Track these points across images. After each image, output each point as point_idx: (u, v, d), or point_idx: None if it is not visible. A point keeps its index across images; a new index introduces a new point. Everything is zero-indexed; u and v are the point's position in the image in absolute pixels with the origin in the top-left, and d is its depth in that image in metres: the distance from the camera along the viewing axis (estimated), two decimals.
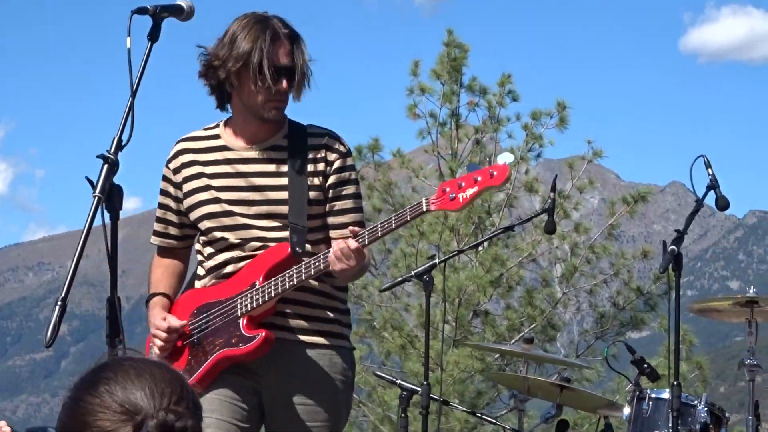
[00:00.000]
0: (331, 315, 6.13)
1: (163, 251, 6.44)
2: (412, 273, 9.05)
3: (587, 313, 23.32)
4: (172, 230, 6.36)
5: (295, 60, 5.93)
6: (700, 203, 7.44)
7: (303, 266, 5.83)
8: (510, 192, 22.16)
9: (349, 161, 6.21)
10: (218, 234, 6.14)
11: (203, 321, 6.12)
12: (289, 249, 5.91)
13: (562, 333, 23.02)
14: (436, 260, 9.11)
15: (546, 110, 22.48)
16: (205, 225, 6.17)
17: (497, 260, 21.11)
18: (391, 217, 5.85)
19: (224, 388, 6.04)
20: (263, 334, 5.89)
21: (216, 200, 6.14)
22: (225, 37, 5.93)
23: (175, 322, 6.15)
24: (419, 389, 8.82)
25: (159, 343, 6.15)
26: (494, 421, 10.47)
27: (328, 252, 5.81)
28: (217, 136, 6.26)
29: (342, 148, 6.17)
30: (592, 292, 22.60)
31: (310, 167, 6.01)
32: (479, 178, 5.58)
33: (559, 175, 9.20)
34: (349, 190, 6.15)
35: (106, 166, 4.88)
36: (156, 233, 6.42)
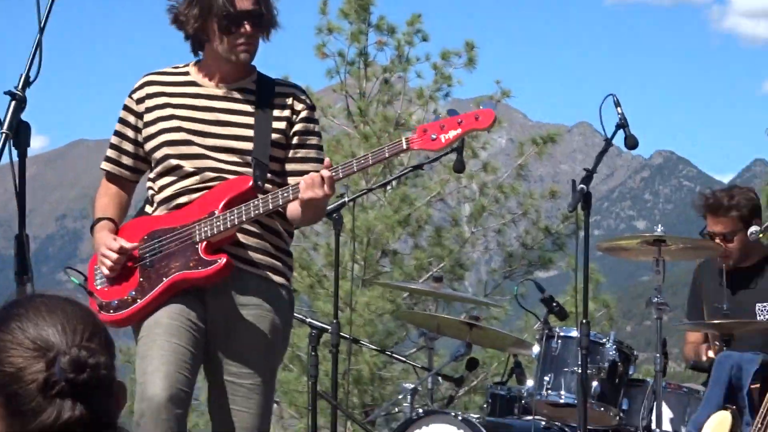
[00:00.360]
0: (280, 254, 6.24)
1: (112, 179, 6.47)
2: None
3: (495, 252, 23.40)
4: (126, 160, 6.41)
5: (260, 2, 6.04)
6: (609, 142, 7.46)
7: (270, 196, 5.93)
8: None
9: (315, 115, 6.35)
10: (174, 162, 6.20)
11: (156, 245, 6.18)
12: (251, 182, 5.99)
13: (470, 272, 23.08)
14: (345, 199, 9.13)
15: (455, 50, 22.53)
16: (163, 152, 6.23)
17: (405, 200, 21.13)
18: (368, 154, 5.98)
19: (177, 308, 6.08)
20: (224, 259, 5.97)
21: (178, 129, 6.21)
22: None
23: (126, 243, 6.19)
24: (329, 328, 8.84)
25: (108, 263, 6.19)
26: (404, 359, 10.50)
27: (299, 183, 5.88)
28: (186, 74, 6.36)
29: (309, 101, 6.32)
30: (500, 231, 22.67)
31: (276, 112, 6.13)
32: (462, 121, 5.68)
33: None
34: (313, 140, 6.29)
35: (13, 102, 4.87)
36: (108, 159, 6.45)
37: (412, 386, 8.86)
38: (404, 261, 21.52)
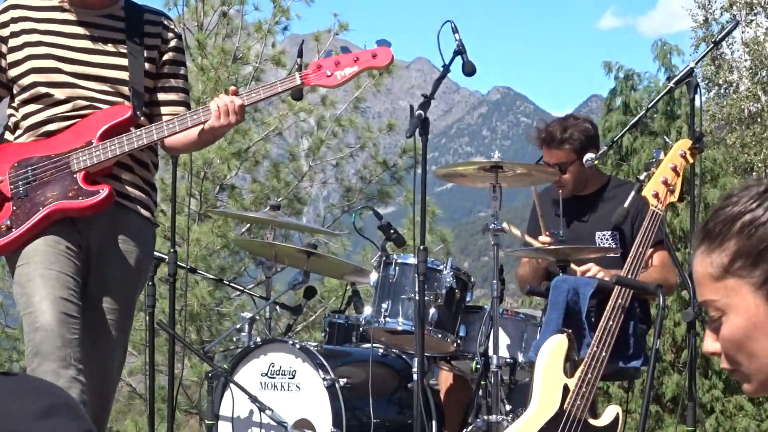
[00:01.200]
0: (148, 188, 6.20)
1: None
2: None
3: (333, 188, 23.41)
4: None
5: None
6: (447, 68, 7.44)
7: (165, 123, 5.89)
8: (257, 65, 22.13)
9: (181, 43, 6.24)
10: (43, 90, 6.04)
11: (29, 173, 6.02)
12: (131, 112, 5.91)
13: (308, 207, 23.08)
14: None
15: None
16: (30, 79, 6.06)
17: (241, 132, 21.04)
18: (259, 87, 5.95)
19: (54, 236, 5.98)
20: (107, 190, 5.90)
21: (47, 56, 6.05)
22: None
23: None
24: (166, 258, 8.82)
25: None
26: (242, 288, 10.51)
27: (203, 108, 5.87)
28: None
29: (176, 30, 6.24)
30: (338, 165, 22.66)
31: (147, 40, 6.01)
32: (358, 59, 5.70)
33: (304, 48, 9.23)
34: (181, 71, 6.23)
35: None
36: None
37: (250, 316, 8.86)
38: (242, 195, 21.44)
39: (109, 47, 6.05)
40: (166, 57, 6.15)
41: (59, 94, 6.04)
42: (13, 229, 6.03)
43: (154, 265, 8.95)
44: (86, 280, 6.06)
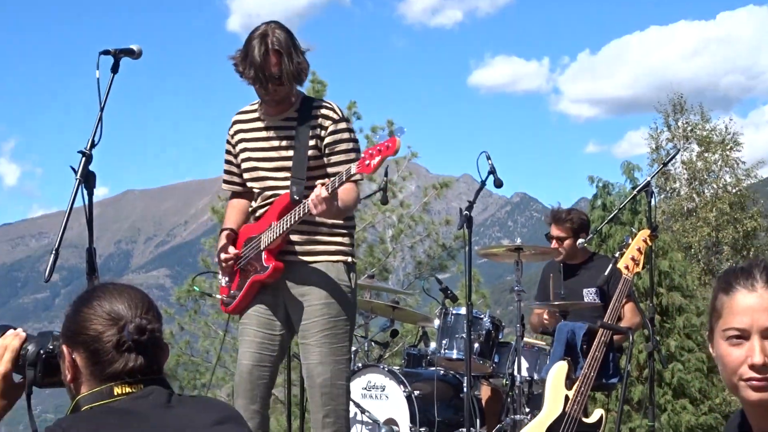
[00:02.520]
0: (326, 238, 5.76)
1: (233, 194, 6.10)
2: None
3: (409, 262, 23.42)
4: (236, 178, 6.03)
5: (283, 68, 5.57)
6: (483, 183, 7.46)
7: (294, 210, 5.53)
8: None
9: (341, 125, 5.75)
10: (250, 184, 5.91)
11: (247, 250, 5.83)
12: (289, 197, 5.61)
13: (392, 275, 23.08)
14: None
15: (380, 125, 22.54)
16: (247, 176, 5.93)
17: None
18: (335, 178, 5.35)
19: (260, 304, 5.82)
20: (272, 264, 5.64)
21: (248, 158, 5.89)
22: (240, 52, 5.69)
23: (232, 250, 5.91)
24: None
25: (222, 265, 5.94)
26: None
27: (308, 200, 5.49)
28: (255, 111, 5.97)
29: (335, 116, 5.74)
30: (412, 247, 22.75)
31: (311, 131, 5.66)
32: (382, 149, 5.19)
33: (388, 169, 9.23)
34: (341, 146, 5.71)
35: (84, 158, 4.82)
36: (225, 181, 6.10)
37: (354, 349, 8.84)
38: None
39: (284, 143, 5.75)
40: (326, 140, 5.70)
41: (257, 185, 5.85)
42: (236, 296, 5.88)
43: None
44: (294, 319, 5.77)
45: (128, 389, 2.85)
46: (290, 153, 5.72)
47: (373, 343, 9.19)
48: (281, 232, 5.63)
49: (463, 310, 7.95)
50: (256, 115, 5.97)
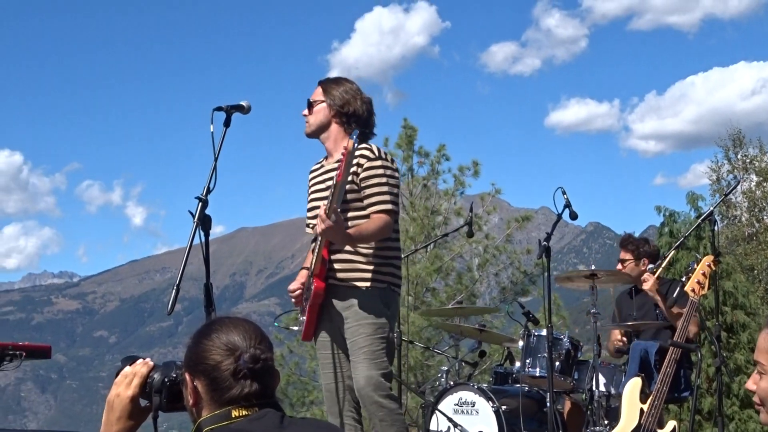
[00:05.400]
0: (362, 266, 5.71)
1: (314, 237, 6.01)
2: None
3: (494, 287, 23.31)
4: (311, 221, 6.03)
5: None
6: (560, 216, 7.41)
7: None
8: (445, 216, 22.31)
9: (375, 163, 5.70)
10: (312, 222, 5.92)
11: (308, 283, 5.85)
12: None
13: (479, 300, 22.99)
14: (403, 256, 9.12)
15: (467, 165, 22.58)
16: (308, 215, 5.98)
17: (438, 256, 21.23)
18: (331, 187, 5.38)
19: (323, 330, 5.85)
20: (314, 286, 5.65)
21: (311, 200, 5.96)
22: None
23: (293, 285, 5.95)
24: (395, 335, 8.80)
25: (292, 298, 5.98)
26: (440, 352, 10.46)
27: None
28: (323, 160, 6.08)
29: (371, 155, 5.71)
30: (497, 274, 22.65)
31: (352, 169, 5.59)
32: (342, 155, 5.20)
33: (474, 204, 9.13)
34: (373, 181, 5.68)
35: (200, 203, 4.87)
36: (307, 225, 6.06)
37: (446, 368, 8.82)
38: (439, 294, 21.51)
39: (329, 183, 5.63)
40: (362, 175, 5.66)
41: (314, 222, 5.76)
42: (304, 323, 5.88)
43: None
44: (343, 336, 5.75)
45: (245, 412, 2.87)
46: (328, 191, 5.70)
47: (463, 363, 9.12)
48: (316, 256, 5.67)
49: (544, 332, 7.90)
50: (322, 162, 6.06)
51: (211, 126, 5.09)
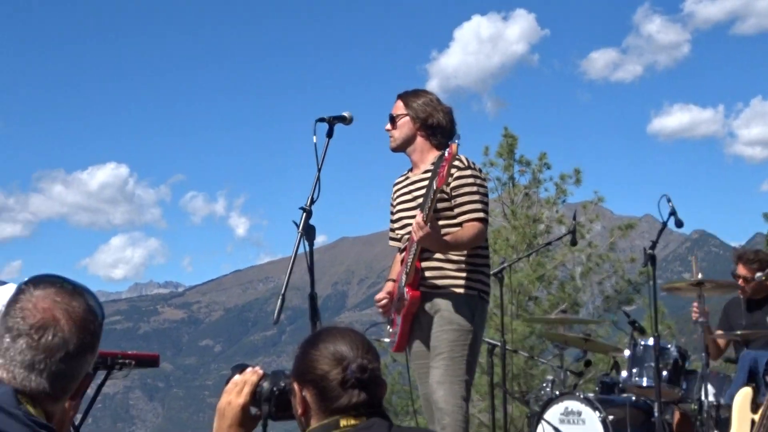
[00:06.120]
0: (452, 273, 5.70)
1: (399, 250, 6.07)
2: (491, 273, 9.04)
3: (597, 296, 23.12)
4: (394, 234, 6.10)
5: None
6: (665, 224, 7.34)
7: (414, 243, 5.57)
8: (547, 224, 22.22)
9: (466, 173, 5.71)
10: (398, 232, 5.99)
11: (397, 293, 5.85)
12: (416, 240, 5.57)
13: (582, 309, 22.80)
14: (505, 264, 9.09)
15: (568, 173, 22.49)
16: (394, 227, 6.06)
17: (540, 265, 21.16)
18: (425, 203, 5.47)
19: (416, 340, 5.84)
20: (410, 294, 5.65)
21: (398, 211, 6.01)
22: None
23: (379, 295, 5.98)
24: (499, 344, 8.78)
25: (379, 309, 6.00)
26: (545, 361, 10.38)
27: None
28: (408, 171, 6.09)
29: (461, 165, 5.70)
30: (600, 283, 22.49)
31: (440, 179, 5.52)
32: (445, 159, 5.17)
33: (577, 213, 9.06)
34: (464, 189, 5.68)
35: (304, 214, 4.91)
36: (390, 238, 6.15)
37: (551, 378, 8.76)
38: (541, 303, 21.42)
39: (421, 192, 5.73)
40: (453, 184, 5.65)
41: (403, 232, 5.89)
42: (396, 335, 5.89)
43: (491, 348, 8.92)
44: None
45: (353, 421, 2.88)
46: (420, 201, 5.71)
47: (568, 372, 9.05)
48: (409, 265, 5.66)
49: (651, 341, 7.80)
50: (407, 173, 6.06)
51: (314, 137, 5.14)
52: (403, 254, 5.85)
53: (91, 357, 2.47)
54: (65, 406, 2.53)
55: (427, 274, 5.72)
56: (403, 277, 5.72)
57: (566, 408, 7.90)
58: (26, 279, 2.51)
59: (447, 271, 5.72)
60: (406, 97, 5.97)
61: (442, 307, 5.69)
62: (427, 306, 5.74)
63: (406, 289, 5.69)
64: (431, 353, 5.69)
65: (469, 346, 5.67)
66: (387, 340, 6.14)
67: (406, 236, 5.79)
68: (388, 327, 6.02)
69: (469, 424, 5.72)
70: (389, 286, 5.99)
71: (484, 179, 5.90)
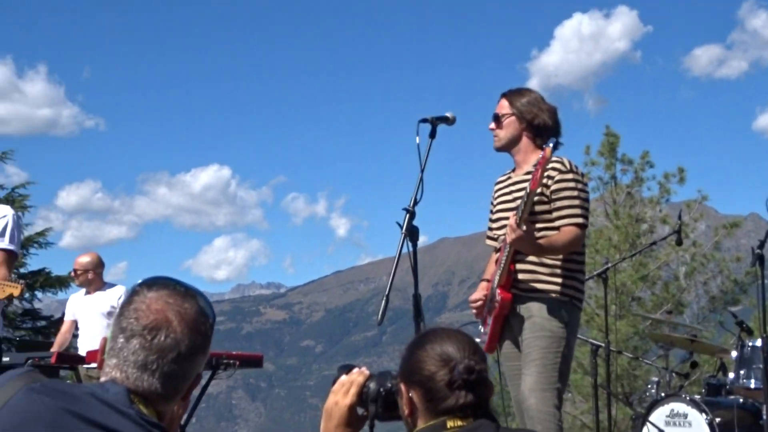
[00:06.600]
0: (545, 277, 5.63)
1: (493, 249, 6.01)
2: (594, 274, 8.97)
3: (702, 296, 22.83)
4: (492, 233, 6.03)
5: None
6: None
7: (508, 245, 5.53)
8: (650, 224, 22.03)
9: (567, 176, 5.63)
10: (497, 233, 5.92)
11: (489, 293, 5.80)
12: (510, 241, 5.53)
13: (687, 309, 22.53)
14: (609, 265, 9.00)
15: (672, 172, 22.28)
16: (493, 227, 6.00)
17: (642, 265, 20.99)
18: (518, 206, 5.43)
19: (507, 341, 5.78)
20: (502, 296, 5.60)
21: (498, 211, 5.95)
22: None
23: (474, 296, 5.93)
24: (603, 344, 8.71)
25: (472, 310, 5.95)
26: (650, 362, 10.27)
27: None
28: (511, 171, 6.03)
29: (562, 168, 5.63)
30: (705, 283, 22.24)
31: (543, 181, 5.51)
32: (539, 162, 5.13)
33: (681, 212, 8.95)
34: (564, 194, 5.60)
35: (408, 215, 4.92)
36: (488, 237, 6.07)
37: (656, 379, 8.67)
38: (645, 303, 21.21)
39: (520, 193, 5.62)
40: (552, 187, 5.57)
41: (500, 233, 5.80)
42: (487, 334, 5.83)
43: (594, 349, 8.85)
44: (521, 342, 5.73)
45: (459, 423, 2.89)
46: (518, 202, 5.61)
47: (673, 374, 8.94)
48: (502, 266, 5.60)
49: (759, 342, 7.64)
50: (509, 174, 6.00)
51: (417, 138, 5.15)
52: (498, 254, 5.81)
53: (203, 358, 2.51)
54: (175, 406, 2.57)
55: (520, 276, 5.67)
56: (496, 279, 5.69)
57: (672, 410, 7.82)
58: (139, 281, 2.56)
59: (540, 275, 5.66)
60: (511, 95, 5.92)
61: (534, 312, 5.63)
62: (519, 308, 5.69)
63: (498, 291, 5.65)
64: (523, 359, 5.64)
65: (562, 353, 5.59)
66: (478, 340, 6.13)
67: (502, 236, 5.74)
68: (481, 327, 5.99)
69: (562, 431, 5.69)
70: (484, 286, 5.96)
71: (586, 184, 5.82)
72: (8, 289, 5.90)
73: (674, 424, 7.77)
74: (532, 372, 5.52)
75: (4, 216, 6.31)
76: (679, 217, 9.14)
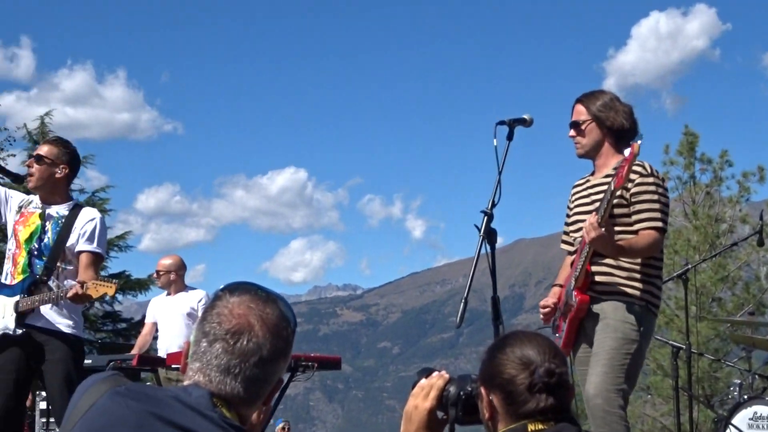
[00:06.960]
0: (622, 281, 5.57)
1: (567, 252, 5.98)
2: (674, 275, 8.89)
3: None
4: (567, 237, 5.99)
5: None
6: None
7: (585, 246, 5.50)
8: (730, 223, 21.82)
9: (648, 180, 5.57)
10: (573, 235, 5.87)
11: (564, 297, 5.75)
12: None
13: None
14: (689, 266, 8.91)
15: (751, 171, 22.06)
16: (569, 230, 5.94)
17: (721, 266, 20.80)
18: (600, 206, 5.40)
19: (583, 344, 5.71)
20: (579, 298, 5.56)
21: (575, 214, 5.89)
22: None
23: (544, 301, 5.89)
24: (684, 346, 8.62)
25: (542, 315, 5.91)
26: (732, 364, 10.12)
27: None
28: (590, 175, 5.99)
29: (643, 171, 5.57)
30: None
31: (624, 183, 5.39)
32: (626, 159, 5.07)
33: (763, 212, 8.85)
34: (644, 197, 5.54)
35: (486, 217, 4.93)
36: (563, 241, 6.03)
37: (739, 381, 8.55)
38: (725, 304, 20.99)
39: (599, 196, 5.62)
40: (633, 190, 5.51)
41: (577, 235, 5.74)
42: (561, 337, 5.76)
43: (675, 351, 8.76)
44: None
45: (540, 426, 2.88)
46: (596, 204, 5.59)
47: (756, 376, 8.81)
48: (580, 267, 5.56)
49: None
50: (588, 176, 5.94)
51: (495, 140, 5.15)
52: (574, 257, 5.78)
53: (284, 363, 2.53)
54: (257, 411, 2.60)
55: (597, 278, 5.63)
56: (572, 281, 5.65)
57: (755, 413, 7.71)
58: (221, 286, 2.59)
59: (617, 278, 5.61)
60: (586, 100, 5.86)
61: (608, 313, 5.58)
62: (594, 311, 5.64)
63: (574, 293, 5.61)
64: (591, 359, 5.60)
65: (632, 356, 5.52)
66: None
67: (579, 238, 5.70)
68: (554, 333, 5.92)
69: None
70: (556, 292, 5.92)
71: (666, 188, 5.75)
72: (102, 289, 6.02)
73: (758, 427, 7.66)
74: (599, 372, 5.48)
75: (92, 219, 6.45)
76: (761, 217, 9.01)
